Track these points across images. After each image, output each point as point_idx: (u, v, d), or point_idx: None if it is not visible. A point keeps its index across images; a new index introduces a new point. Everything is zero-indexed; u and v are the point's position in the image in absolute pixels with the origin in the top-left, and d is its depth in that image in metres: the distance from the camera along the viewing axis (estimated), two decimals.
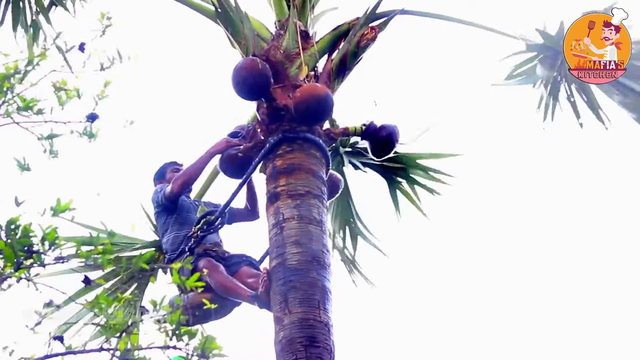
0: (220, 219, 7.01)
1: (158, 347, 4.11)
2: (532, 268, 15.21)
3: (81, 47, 4.59)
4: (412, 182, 8.58)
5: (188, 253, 6.95)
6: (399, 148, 8.28)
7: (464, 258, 14.61)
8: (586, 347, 14.68)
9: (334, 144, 8.39)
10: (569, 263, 15.21)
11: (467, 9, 8.28)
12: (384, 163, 8.35)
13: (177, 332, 4.06)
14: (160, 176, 7.60)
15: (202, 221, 6.98)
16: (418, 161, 8.45)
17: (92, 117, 4.53)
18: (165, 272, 7.54)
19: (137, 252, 7.85)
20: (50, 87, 4.46)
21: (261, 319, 6.54)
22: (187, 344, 4.13)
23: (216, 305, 6.56)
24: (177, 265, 4.36)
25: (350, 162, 8.50)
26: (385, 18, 7.48)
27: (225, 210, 7.02)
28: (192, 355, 4.12)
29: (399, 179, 8.62)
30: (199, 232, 6.95)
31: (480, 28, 8.00)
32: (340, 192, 7.44)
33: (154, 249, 7.94)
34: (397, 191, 8.67)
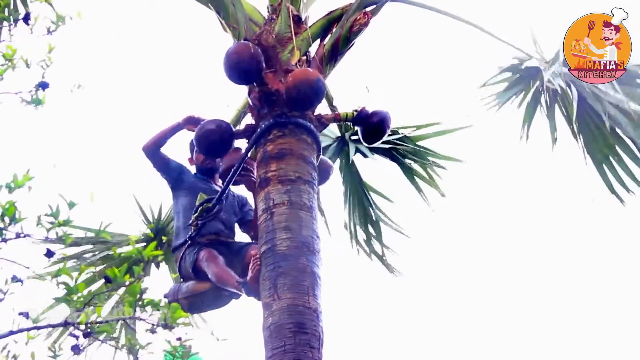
0: (217, 205, 6.95)
1: (121, 319, 4.07)
2: (536, 265, 15.23)
3: (26, 18, 4.57)
4: (423, 162, 8.55)
5: (190, 242, 6.93)
6: (405, 131, 8.28)
7: (474, 245, 14.63)
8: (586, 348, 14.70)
9: (338, 133, 8.42)
10: (568, 263, 15.22)
11: (463, 4, 8.25)
12: (393, 147, 8.35)
13: (139, 303, 4.02)
14: (191, 152, 7.57)
15: (200, 209, 6.93)
16: (422, 142, 8.43)
17: (42, 85, 4.51)
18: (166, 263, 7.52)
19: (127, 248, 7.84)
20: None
21: (249, 305, 6.52)
22: (150, 315, 4.10)
23: (211, 292, 6.60)
24: (149, 250, 4.29)
25: (358, 150, 8.45)
26: (377, 4, 7.43)
27: (223, 197, 6.96)
28: (157, 325, 4.09)
29: (409, 162, 8.60)
30: (198, 221, 6.91)
31: (469, 24, 7.94)
32: (329, 177, 7.39)
33: (143, 244, 7.92)
34: (412, 174, 8.66)
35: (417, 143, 8.57)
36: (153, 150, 7.16)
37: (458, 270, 14.85)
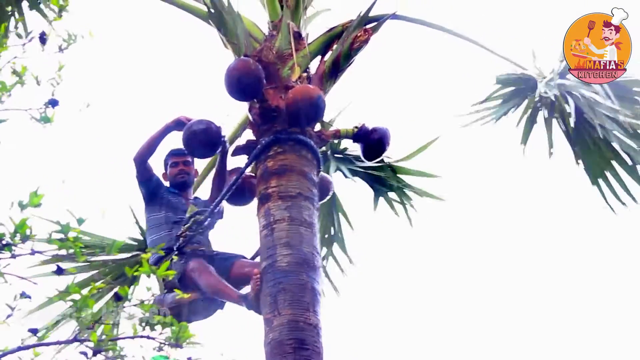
0: (209, 219, 6.97)
1: (131, 337, 4.08)
2: (537, 276, 15.24)
3: (42, 38, 4.60)
4: (399, 195, 8.53)
5: (176, 252, 6.89)
6: (389, 158, 8.26)
7: (449, 265, 14.64)
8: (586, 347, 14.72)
9: (324, 148, 8.39)
10: (564, 265, 15.25)
11: (464, 21, 8.29)
12: (372, 172, 8.34)
13: (149, 321, 4.03)
14: (165, 166, 7.48)
15: (191, 220, 6.92)
16: (405, 178, 8.41)
17: (52, 103, 4.52)
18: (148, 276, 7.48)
19: (123, 255, 7.83)
20: (11, 75, 4.44)
21: (251, 321, 6.53)
22: (160, 333, 4.10)
23: (198, 302, 6.58)
24: (162, 270, 4.29)
25: (339, 169, 8.44)
26: (378, 21, 7.46)
27: (215, 211, 6.97)
28: (165, 344, 4.09)
29: (385, 189, 8.55)
30: (187, 232, 6.91)
31: (470, 42, 7.98)
32: (330, 194, 7.41)
33: (138, 252, 7.90)
34: (381, 199, 8.60)
35: (399, 175, 8.49)
36: (143, 160, 7.12)
37: (433, 287, 14.89)
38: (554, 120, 8.30)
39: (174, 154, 7.38)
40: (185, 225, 6.90)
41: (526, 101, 8.27)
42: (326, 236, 8.68)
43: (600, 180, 8.24)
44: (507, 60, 8.15)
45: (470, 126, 8.25)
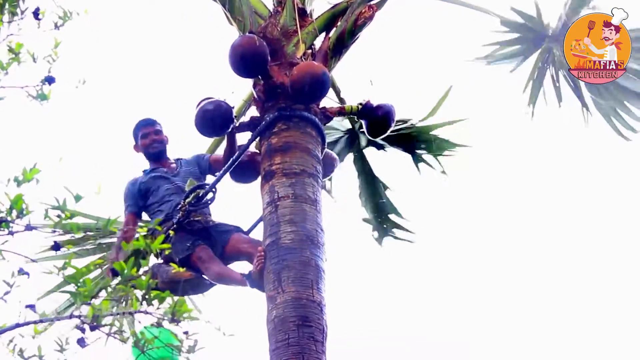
0: (212, 193, 6.92)
1: (128, 312, 4.08)
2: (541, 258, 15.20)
3: (35, 13, 4.59)
4: (434, 151, 8.52)
5: (175, 225, 6.84)
6: (415, 121, 8.26)
7: (488, 230, 14.59)
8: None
9: (350, 125, 8.38)
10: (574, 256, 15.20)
11: None
12: (406, 133, 8.36)
13: (146, 296, 4.02)
14: (135, 139, 7.41)
15: (192, 194, 6.88)
16: (433, 132, 8.42)
17: (49, 80, 4.52)
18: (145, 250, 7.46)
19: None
20: (6, 52, 4.43)
21: (253, 299, 6.52)
22: (157, 308, 4.10)
23: (193, 280, 6.58)
24: (157, 243, 4.27)
25: (370, 143, 8.43)
26: None
27: (216, 185, 6.94)
28: (163, 319, 4.09)
29: (420, 152, 8.58)
30: (187, 206, 6.88)
31: (462, 5, 7.99)
32: (334, 170, 7.38)
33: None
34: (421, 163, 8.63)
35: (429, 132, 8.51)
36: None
37: (470, 259, 14.79)
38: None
39: (143, 124, 7.34)
40: (186, 200, 6.86)
41: (535, 55, 8.29)
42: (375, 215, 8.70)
43: (612, 118, 8.31)
44: (499, 17, 8.24)
45: (484, 69, 8.35)
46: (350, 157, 8.60)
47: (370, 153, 8.63)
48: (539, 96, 8.60)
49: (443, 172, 8.56)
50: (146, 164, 7.34)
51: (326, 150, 7.00)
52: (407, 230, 8.74)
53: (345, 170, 8.61)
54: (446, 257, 14.11)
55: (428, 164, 8.59)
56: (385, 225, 8.75)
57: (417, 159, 8.61)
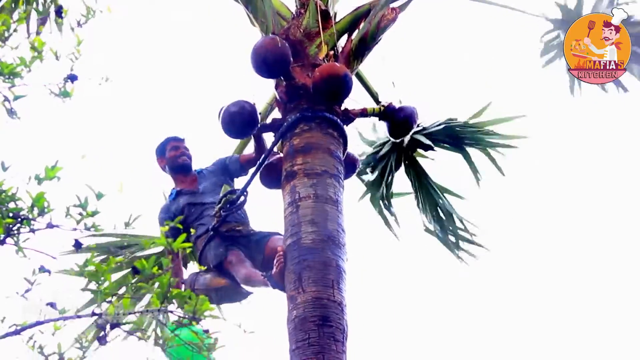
0: (242, 196, 6.98)
1: (149, 311, 4.10)
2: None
3: (58, 12, 4.63)
4: (485, 147, 8.47)
5: (212, 233, 6.95)
6: (465, 119, 8.32)
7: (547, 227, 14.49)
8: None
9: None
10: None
11: None
12: (457, 129, 8.37)
13: (167, 295, 4.05)
14: (161, 153, 7.55)
15: (223, 200, 6.96)
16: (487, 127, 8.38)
17: (71, 78, 4.56)
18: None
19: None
20: (30, 50, 4.47)
21: (274, 299, 6.56)
22: (178, 307, 4.13)
23: (229, 288, 6.64)
24: (179, 242, 4.30)
25: (416, 144, 8.42)
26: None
27: (247, 189, 7.00)
28: (184, 317, 4.11)
29: (470, 149, 8.53)
30: (221, 212, 6.95)
31: (500, 6, 7.99)
32: (356, 171, 7.39)
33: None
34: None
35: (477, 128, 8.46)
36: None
37: (532, 257, 14.70)
38: None
39: (173, 139, 7.51)
40: (218, 206, 6.94)
41: None
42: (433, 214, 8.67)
43: None
44: (541, 16, 8.24)
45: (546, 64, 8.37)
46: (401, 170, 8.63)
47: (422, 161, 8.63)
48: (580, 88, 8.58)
49: (497, 166, 8.46)
50: (166, 184, 7.44)
51: (348, 151, 7.02)
52: (474, 242, 8.66)
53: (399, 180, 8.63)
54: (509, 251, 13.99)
55: (471, 162, 8.52)
56: (452, 234, 8.66)
57: (467, 157, 8.55)
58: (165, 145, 7.50)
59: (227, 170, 7.46)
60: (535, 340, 14.98)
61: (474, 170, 8.51)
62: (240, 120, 6.91)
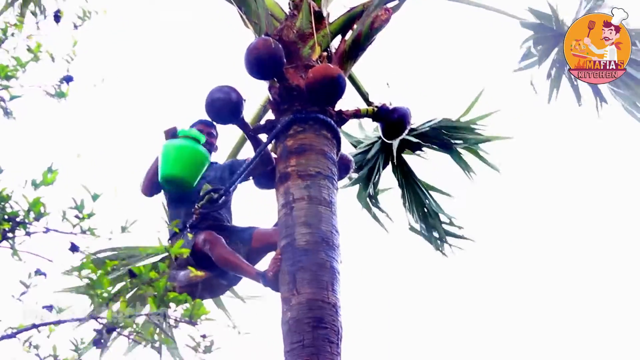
0: (224, 196, 6.92)
1: (145, 315, 4.09)
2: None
3: (56, 16, 4.63)
4: (473, 146, 8.48)
5: (189, 230, 6.86)
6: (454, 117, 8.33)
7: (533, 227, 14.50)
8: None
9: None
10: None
11: None
12: (444, 132, 8.38)
13: (164, 298, 4.04)
14: (208, 125, 7.40)
15: (206, 198, 6.91)
16: (472, 126, 8.38)
17: (67, 79, 4.56)
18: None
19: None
20: (26, 52, 4.47)
21: (268, 300, 6.54)
22: (174, 310, 4.12)
23: (209, 281, 6.60)
24: (176, 248, 4.29)
25: (405, 144, 8.42)
26: (398, 0, 7.46)
27: (230, 189, 6.96)
28: (181, 321, 4.11)
29: (459, 149, 8.54)
30: (201, 210, 6.89)
31: (481, 7, 8.02)
32: (350, 172, 7.39)
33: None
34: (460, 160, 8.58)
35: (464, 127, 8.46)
36: (151, 192, 7.12)
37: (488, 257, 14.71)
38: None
39: (202, 122, 7.30)
40: (200, 203, 6.87)
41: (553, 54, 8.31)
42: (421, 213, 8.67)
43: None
44: (517, 19, 8.30)
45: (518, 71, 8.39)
46: (389, 167, 8.61)
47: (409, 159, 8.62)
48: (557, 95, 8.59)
49: (489, 165, 8.45)
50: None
51: (341, 152, 7.02)
52: (460, 237, 8.66)
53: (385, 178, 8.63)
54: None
55: (464, 162, 8.54)
56: (436, 232, 8.67)
57: (456, 156, 8.57)
58: (195, 126, 7.30)
59: (233, 171, 7.39)
60: (526, 336, 14.99)
61: (465, 168, 8.52)
62: (224, 106, 6.84)
